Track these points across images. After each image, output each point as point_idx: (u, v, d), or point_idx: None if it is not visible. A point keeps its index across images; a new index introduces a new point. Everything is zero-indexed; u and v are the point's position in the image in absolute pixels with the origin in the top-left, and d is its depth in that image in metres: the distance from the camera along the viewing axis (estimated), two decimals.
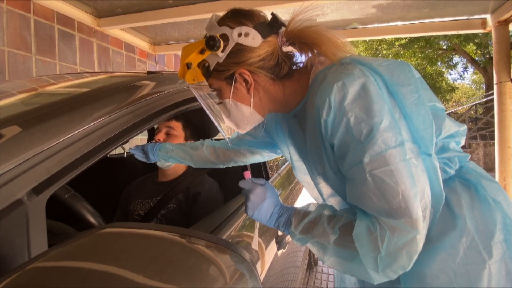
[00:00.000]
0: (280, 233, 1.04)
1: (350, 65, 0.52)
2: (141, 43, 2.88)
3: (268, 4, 1.93)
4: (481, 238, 0.52)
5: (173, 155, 0.96)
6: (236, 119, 0.65)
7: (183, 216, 1.10)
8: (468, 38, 9.39)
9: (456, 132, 0.58)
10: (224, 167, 0.97)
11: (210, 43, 0.56)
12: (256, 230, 0.90)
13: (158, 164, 1.12)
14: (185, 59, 0.60)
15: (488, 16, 2.27)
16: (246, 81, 0.59)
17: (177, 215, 1.10)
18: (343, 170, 0.53)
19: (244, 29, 0.56)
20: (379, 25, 2.53)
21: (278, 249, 0.98)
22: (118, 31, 2.61)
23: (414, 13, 2.32)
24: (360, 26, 2.59)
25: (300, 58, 0.64)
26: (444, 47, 10.68)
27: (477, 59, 10.79)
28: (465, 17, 2.37)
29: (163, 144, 1.00)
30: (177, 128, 1.16)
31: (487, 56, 10.32)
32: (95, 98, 0.55)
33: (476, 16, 2.33)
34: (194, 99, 0.82)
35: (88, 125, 0.48)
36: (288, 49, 0.62)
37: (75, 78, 0.86)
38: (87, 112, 0.50)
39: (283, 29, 0.59)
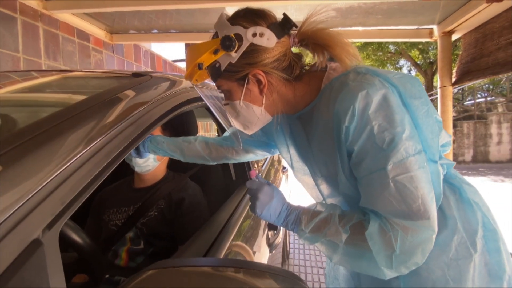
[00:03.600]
0: (270, 235, 1.06)
1: (367, 75, 0.54)
2: (96, 30, 2.60)
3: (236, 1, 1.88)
4: (467, 235, 0.60)
5: (164, 147, 0.91)
6: (245, 120, 0.63)
7: (166, 224, 1.04)
8: (413, 44, 10.55)
9: (446, 142, 0.65)
10: (215, 163, 0.94)
11: (226, 43, 0.54)
12: (258, 236, 0.89)
13: (136, 169, 1.04)
14: (196, 59, 0.57)
15: (434, 27, 2.53)
16: (259, 81, 0.59)
17: (159, 223, 1.04)
18: (358, 176, 0.56)
19: (259, 29, 0.55)
20: (343, 29, 2.67)
21: (271, 251, 1.00)
22: (69, 15, 2.32)
23: (372, 20, 2.49)
24: None
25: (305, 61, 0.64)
26: (393, 51, 11.83)
27: (419, 62, 12.16)
28: (415, 27, 2.61)
29: (154, 136, 0.94)
30: (155, 132, 1.09)
31: (428, 60, 11.70)
32: (95, 110, 0.48)
33: (424, 26, 2.58)
34: (188, 102, 0.78)
35: (95, 142, 0.42)
36: (296, 50, 0.62)
37: (41, 76, 0.75)
38: (92, 126, 0.44)
39: (293, 29, 0.59)
